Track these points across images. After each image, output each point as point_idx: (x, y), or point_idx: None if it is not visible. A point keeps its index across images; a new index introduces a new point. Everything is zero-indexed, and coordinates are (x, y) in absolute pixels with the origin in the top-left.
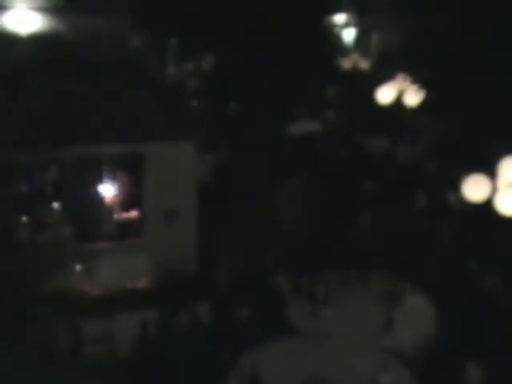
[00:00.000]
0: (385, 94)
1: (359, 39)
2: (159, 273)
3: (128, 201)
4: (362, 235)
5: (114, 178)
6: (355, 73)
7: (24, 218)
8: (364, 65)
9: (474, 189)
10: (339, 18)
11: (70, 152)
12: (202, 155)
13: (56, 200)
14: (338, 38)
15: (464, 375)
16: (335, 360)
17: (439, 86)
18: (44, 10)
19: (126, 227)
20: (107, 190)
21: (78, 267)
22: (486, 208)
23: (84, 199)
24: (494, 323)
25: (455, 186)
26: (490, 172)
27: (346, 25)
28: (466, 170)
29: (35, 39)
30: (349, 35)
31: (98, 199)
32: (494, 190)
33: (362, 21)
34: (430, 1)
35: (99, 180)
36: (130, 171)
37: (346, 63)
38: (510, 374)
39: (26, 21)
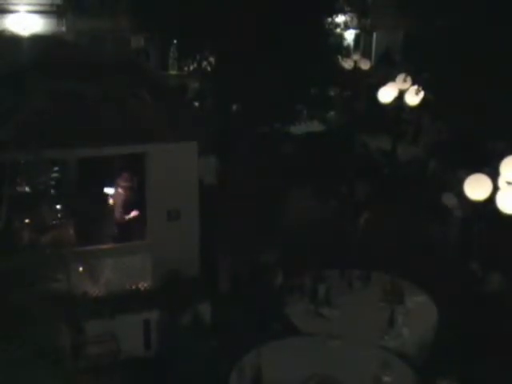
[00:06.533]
0: (385, 94)
1: (360, 40)
2: (161, 273)
3: (129, 202)
4: (363, 235)
5: (115, 178)
6: (356, 73)
7: (26, 219)
8: (365, 65)
9: (475, 188)
10: (340, 18)
11: (72, 153)
12: (203, 156)
13: (58, 201)
14: (339, 39)
15: (464, 375)
16: (337, 360)
17: (439, 85)
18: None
19: (127, 228)
20: (109, 191)
21: (80, 268)
22: (487, 207)
23: (86, 200)
24: (495, 323)
25: (456, 186)
26: (491, 171)
27: (347, 25)
28: (467, 170)
29: (36, 41)
30: (350, 36)
31: (100, 200)
32: (495, 189)
33: (362, 21)
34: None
35: (101, 181)
36: (132, 172)
37: (347, 63)
38: (510, 374)
39: (28, 23)
